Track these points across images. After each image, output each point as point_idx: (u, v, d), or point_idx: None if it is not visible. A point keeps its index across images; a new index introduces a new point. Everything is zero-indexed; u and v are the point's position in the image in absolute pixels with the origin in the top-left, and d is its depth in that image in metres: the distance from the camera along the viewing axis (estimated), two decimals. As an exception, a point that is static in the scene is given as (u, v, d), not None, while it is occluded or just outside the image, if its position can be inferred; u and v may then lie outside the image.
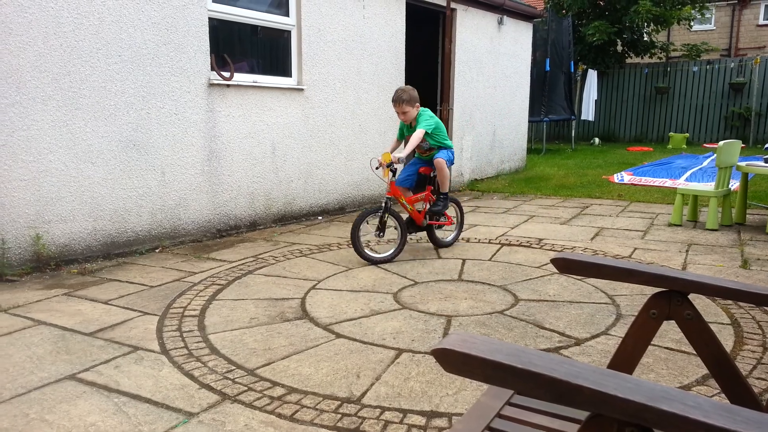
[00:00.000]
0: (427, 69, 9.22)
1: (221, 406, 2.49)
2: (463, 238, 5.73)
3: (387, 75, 7.71)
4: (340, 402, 2.51)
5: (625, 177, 9.98)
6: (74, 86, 4.63)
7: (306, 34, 6.56)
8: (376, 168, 4.89)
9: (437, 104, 9.03)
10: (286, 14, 6.46)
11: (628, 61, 20.94)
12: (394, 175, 4.85)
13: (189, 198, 5.57)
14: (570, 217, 6.89)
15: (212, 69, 5.69)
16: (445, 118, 8.34)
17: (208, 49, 5.58)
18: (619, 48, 20.42)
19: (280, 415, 2.40)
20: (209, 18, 5.57)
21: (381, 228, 4.87)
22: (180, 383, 2.70)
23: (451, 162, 5.11)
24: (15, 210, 4.39)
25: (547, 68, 14.38)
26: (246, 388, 2.64)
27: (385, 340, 3.17)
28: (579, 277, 4.34)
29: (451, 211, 5.38)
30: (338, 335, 3.26)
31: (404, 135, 5.14)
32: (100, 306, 3.76)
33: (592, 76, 17.01)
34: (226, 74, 5.83)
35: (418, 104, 4.91)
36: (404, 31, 7.90)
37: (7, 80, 4.25)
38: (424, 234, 5.44)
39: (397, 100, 4.86)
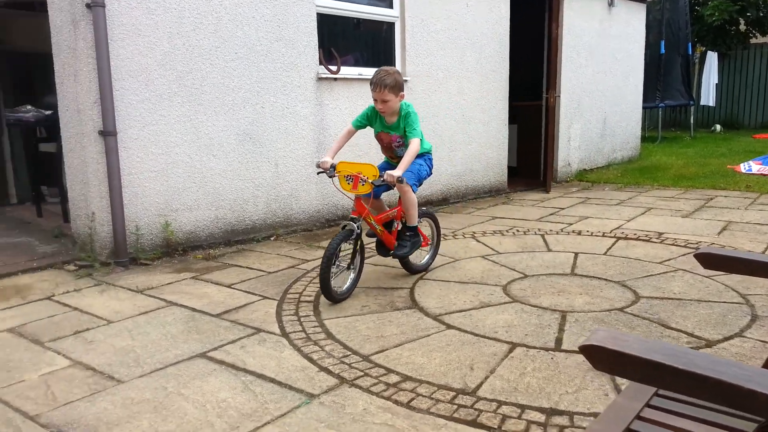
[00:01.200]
0: (532, 55, 8.95)
1: (340, 390, 2.58)
2: (573, 231, 5.53)
3: (490, 63, 7.58)
4: (455, 393, 2.52)
5: (753, 167, 9.19)
6: (196, 83, 4.93)
7: (410, 25, 6.58)
8: (329, 176, 3.79)
9: (543, 91, 8.76)
10: (390, 6, 6.51)
11: (753, 41, 19.20)
12: (371, 195, 3.77)
13: (300, 189, 5.78)
14: (693, 210, 6.45)
15: (320, 63, 5.85)
16: (552, 105, 8.07)
17: (317, 43, 5.74)
18: (742, 27, 18.76)
19: (396, 402, 2.45)
20: (317, 13, 5.73)
21: (354, 258, 3.82)
22: (300, 365, 2.83)
23: (427, 174, 4.05)
24: (147, 199, 4.76)
25: (662, 51, 13.50)
26: (362, 374, 2.72)
27: (497, 333, 3.14)
28: (706, 274, 4.06)
29: (426, 229, 4.37)
30: (449, 326, 3.27)
31: (375, 128, 4.00)
32: (224, 289, 4.01)
33: (712, 58, 15.76)
34: (334, 68, 5.97)
35: (402, 93, 3.79)
36: (508, 17, 7.71)
37: (137, 78, 4.60)
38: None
39: (379, 84, 3.71)
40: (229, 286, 4.08)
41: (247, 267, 4.57)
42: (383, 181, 3.56)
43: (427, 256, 4.42)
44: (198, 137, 4.99)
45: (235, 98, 5.18)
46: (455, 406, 2.41)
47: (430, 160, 4.09)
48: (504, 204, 7.16)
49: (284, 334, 3.23)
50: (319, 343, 3.09)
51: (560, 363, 2.78)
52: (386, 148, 4.03)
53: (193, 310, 3.62)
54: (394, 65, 6.62)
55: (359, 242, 3.78)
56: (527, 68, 8.79)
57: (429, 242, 4.36)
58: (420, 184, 3.97)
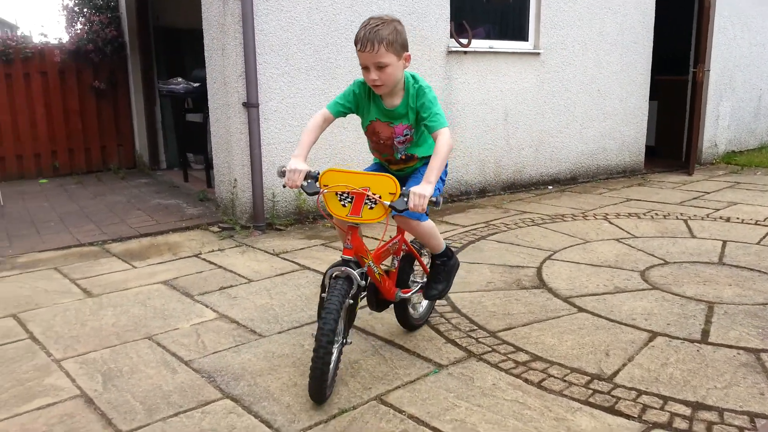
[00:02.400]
0: (679, 26, 8.24)
1: (467, 363, 2.58)
2: (721, 217, 5.09)
3: (632, 34, 7.08)
4: (589, 377, 2.43)
5: None
6: (331, 57, 5.06)
7: (547, -5, 6.30)
8: (307, 192, 2.31)
9: (690, 66, 8.06)
10: (527, -25, 6.26)
11: None
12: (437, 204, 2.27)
13: (425, 162, 5.79)
14: None
15: (451, 36, 5.77)
16: (700, 80, 7.39)
17: (449, 16, 5.67)
18: None
19: (527, 381, 2.41)
20: (452, -15, 5.64)
21: (346, 327, 2.39)
22: (428, 335, 2.86)
23: (439, 192, 2.43)
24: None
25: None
26: (490, 349, 2.70)
27: (636, 321, 2.98)
28: None
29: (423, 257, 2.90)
30: (580, 309, 3.15)
31: (366, 116, 2.50)
32: (350, 258, 4.13)
33: None
34: (464, 41, 5.87)
35: (408, 55, 2.34)
36: (655, -16, 7.14)
37: (278, 52, 4.80)
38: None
39: (370, 39, 2.23)
40: (356, 255, 4.20)
41: (371, 237, 4.67)
42: (406, 203, 2.15)
43: (425, 303, 2.98)
44: (330, 109, 5.13)
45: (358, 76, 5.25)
46: (590, 391, 2.32)
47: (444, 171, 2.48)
48: (640, 185, 6.73)
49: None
50: (445, 316, 3.10)
51: (707, 356, 2.59)
52: (383, 146, 2.50)
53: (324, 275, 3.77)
54: (527, 38, 6.39)
55: (359, 300, 2.39)
56: (672, 40, 8.11)
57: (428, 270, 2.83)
58: (440, 191, 2.51)
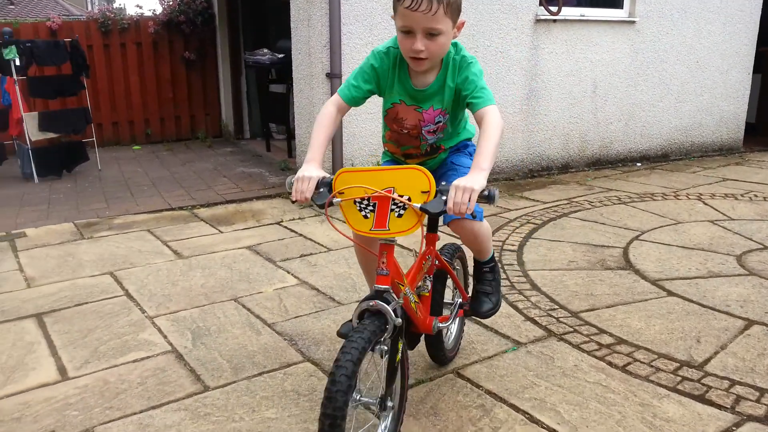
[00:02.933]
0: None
1: (547, 342, 2.53)
2: (829, 201, 4.68)
3: (737, 2, 6.53)
4: (678, 364, 2.32)
5: None
6: (415, 26, 4.98)
7: (645, -41, 5.91)
8: (317, 204, 1.67)
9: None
10: (624, -62, 5.89)
11: None
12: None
13: (505, 136, 5.64)
14: None
15: (540, 4, 5.54)
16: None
17: (539, -18, 5.44)
18: None
19: (610, 364, 2.33)
20: (543, -51, 5.38)
21: (390, 382, 1.74)
22: (506, 312, 2.82)
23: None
24: (362, 140, 5.01)
25: None
26: (571, 329, 2.63)
27: (730, 307, 2.81)
28: None
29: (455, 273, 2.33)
30: (670, 293, 3.00)
31: (388, 97, 1.95)
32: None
33: None
34: (554, 8, 5.61)
35: (462, 23, 1.79)
36: (769, -55, 6.54)
37: (362, 23, 4.78)
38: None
39: None
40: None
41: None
42: (444, 202, 1.56)
43: (455, 328, 2.43)
44: (412, 80, 5.08)
45: (450, 41, 5.15)
46: (679, 378, 2.22)
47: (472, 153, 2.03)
48: (737, 165, 6.28)
49: (489, 280, 3.24)
50: (524, 293, 3.05)
51: (812, 350, 2.41)
52: (406, 136, 1.97)
53: (401, 246, 3.79)
54: (622, 5, 6.04)
55: (400, 346, 1.75)
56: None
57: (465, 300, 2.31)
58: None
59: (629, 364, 2.33)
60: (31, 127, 5.62)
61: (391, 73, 1.88)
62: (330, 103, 1.90)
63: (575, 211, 4.53)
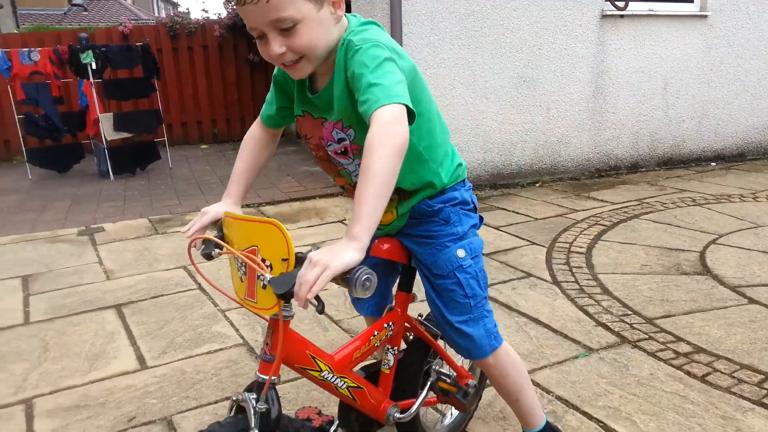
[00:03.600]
0: None
1: (621, 349, 2.45)
2: None
3: (825, -9, 6.15)
4: (763, 376, 2.20)
5: None
6: (476, 26, 4.93)
7: (721, -50, 5.64)
8: (203, 254, 1.30)
9: None
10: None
11: None
12: (319, 305, 1.10)
13: (570, 135, 5.52)
14: None
15: (606, 0, 5.38)
16: None
17: (607, -23, 5.28)
18: None
19: (689, 373, 2.24)
20: (613, -57, 5.23)
21: None
22: (576, 316, 2.75)
23: (480, 248, 1.49)
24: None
25: None
26: (646, 336, 2.54)
27: (819, 317, 2.65)
28: None
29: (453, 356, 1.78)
30: (751, 300, 2.85)
31: (294, 109, 1.44)
32: (492, 231, 4.07)
33: None
34: (621, 3, 5.44)
35: (335, 3, 1.23)
36: None
37: (423, 22, 4.77)
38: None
39: None
40: (496, 228, 4.13)
41: (513, 211, 4.56)
42: (292, 281, 1.06)
43: (449, 419, 1.91)
44: (474, 80, 5.04)
45: (513, 40, 5.07)
46: (764, 391, 2.11)
47: (466, 212, 1.48)
48: (822, 166, 5.92)
49: (555, 282, 3.17)
50: (595, 297, 2.96)
51: None
52: (320, 160, 1.47)
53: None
54: (695, -2, 5.79)
55: None
56: None
57: (466, 383, 1.66)
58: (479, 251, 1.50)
59: (709, 374, 2.23)
60: (106, 128, 5.90)
61: (291, 81, 1.39)
62: (253, 125, 1.54)
63: (647, 213, 4.37)
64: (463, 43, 4.93)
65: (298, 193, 5.20)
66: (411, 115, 1.13)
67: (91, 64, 5.69)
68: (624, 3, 5.44)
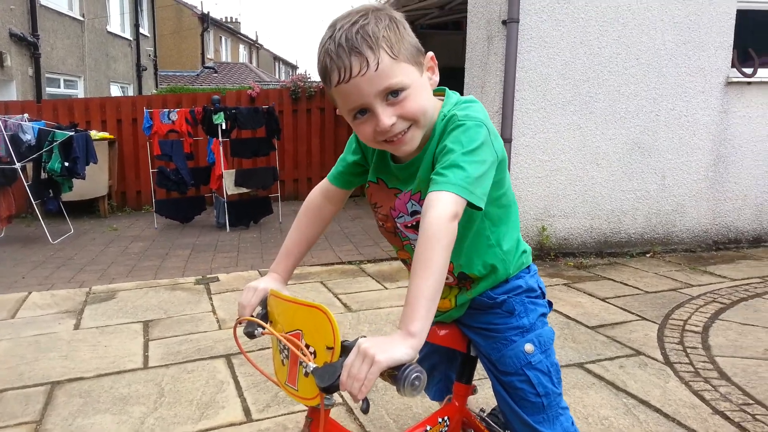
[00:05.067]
0: None
1: (742, 444, 2.24)
2: None
3: None
4: None
5: None
6: (591, 91, 4.90)
7: None
8: (245, 332, 1.25)
9: None
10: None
11: None
12: (364, 403, 1.04)
13: (687, 204, 5.25)
14: None
15: (732, 66, 5.17)
16: None
17: (731, 44, 5.09)
18: None
19: (825, 480, 2.01)
20: (737, 10, 5.05)
21: None
22: (690, 402, 2.56)
23: (550, 339, 1.37)
24: (528, 203, 4.97)
25: None
26: (773, 432, 2.31)
27: None
28: None
29: None
30: None
31: (369, 175, 1.38)
32: (597, 302, 3.92)
33: None
34: (748, 70, 5.20)
35: (431, 58, 1.21)
36: None
37: (536, 88, 4.81)
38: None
39: (354, 47, 1.07)
40: (603, 300, 3.97)
41: (621, 282, 4.37)
42: (338, 373, 0.98)
43: None
44: (584, 146, 4.97)
45: (629, 106, 4.98)
46: None
47: (533, 300, 1.37)
48: None
49: (668, 363, 2.98)
50: (711, 382, 2.75)
51: None
52: (385, 231, 1.40)
53: (567, 317, 3.63)
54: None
55: None
56: None
57: None
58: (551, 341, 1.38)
59: None
60: (228, 183, 6.37)
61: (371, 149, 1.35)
62: (317, 189, 1.46)
63: None
64: (575, 109, 4.91)
65: (401, 252, 5.29)
66: (476, 208, 1.11)
67: (221, 125, 6.22)
68: (752, 70, 5.20)
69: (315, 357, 1.04)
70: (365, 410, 1.01)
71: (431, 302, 1.00)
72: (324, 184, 1.44)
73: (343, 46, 1.07)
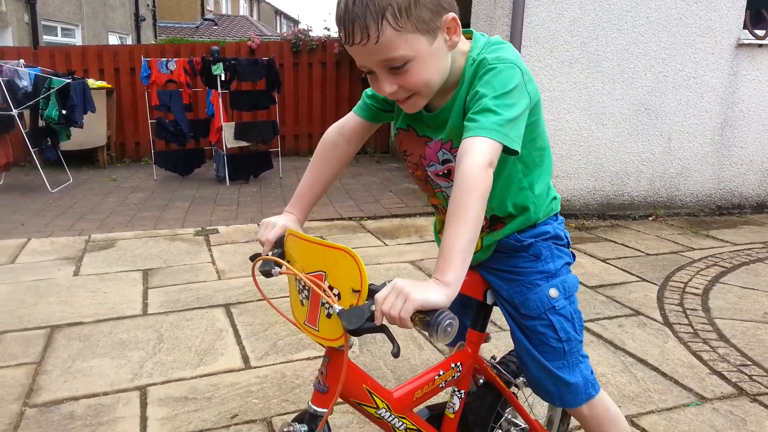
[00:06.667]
0: None
1: (738, 401, 2.26)
2: None
3: None
4: None
5: None
6: (599, 50, 4.79)
7: None
8: (261, 270, 1.20)
9: None
10: None
11: None
12: (395, 346, 1.01)
13: (692, 168, 5.20)
14: None
15: (744, 27, 5.04)
16: None
17: (744, 4, 4.95)
18: None
19: (819, 438, 2.03)
20: (753, -33, 4.91)
21: None
22: (688, 362, 2.57)
23: (574, 286, 1.36)
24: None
25: None
26: (769, 392, 2.33)
27: None
28: None
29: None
30: None
31: (395, 122, 1.34)
32: (598, 263, 3.91)
33: None
34: (761, 32, 5.07)
35: (451, 19, 1.12)
36: None
37: (543, 45, 4.70)
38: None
39: (356, 16, 1.04)
40: (603, 261, 3.96)
41: (622, 244, 4.35)
42: (370, 312, 0.99)
43: None
44: (590, 105, 4.89)
45: (637, 66, 4.87)
46: None
47: (559, 247, 1.36)
48: None
49: (667, 323, 2.99)
50: (710, 343, 2.76)
51: None
52: (417, 179, 1.39)
53: (568, 277, 3.63)
54: None
55: None
56: None
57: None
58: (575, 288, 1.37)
59: None
60: (228, 136, 6.29)
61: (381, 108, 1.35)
62: (332, 128, 1.41)
63: None
64: (582, 67, 4.80)
65: (399, 209, 5.27)
66: (512, 152, 1.09)
67: (220, 76, 6.10)
68: (765, 32, 5.07)
69: (339, 299, 1.03)
70: (395, 354, 0.99)
71: (466, 253, 0.99)
72: (344, 121, 1.39)
73: (350, 11, 1.05)
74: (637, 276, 3.67)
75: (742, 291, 3.42)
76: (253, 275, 1.19)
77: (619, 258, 4.02)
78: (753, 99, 5.14)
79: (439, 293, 0.95)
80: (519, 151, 1.08)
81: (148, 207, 5.37)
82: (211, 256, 3.98)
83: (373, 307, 0.97)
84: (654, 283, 3.54)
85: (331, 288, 1.05)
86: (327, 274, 1.07)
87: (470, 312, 1.44)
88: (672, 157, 5.14)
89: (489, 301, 1.40)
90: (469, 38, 1.22)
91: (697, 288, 3.48)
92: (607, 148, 5.00)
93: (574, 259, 1.40)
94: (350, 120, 1.38)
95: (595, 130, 4.95)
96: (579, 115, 4.88)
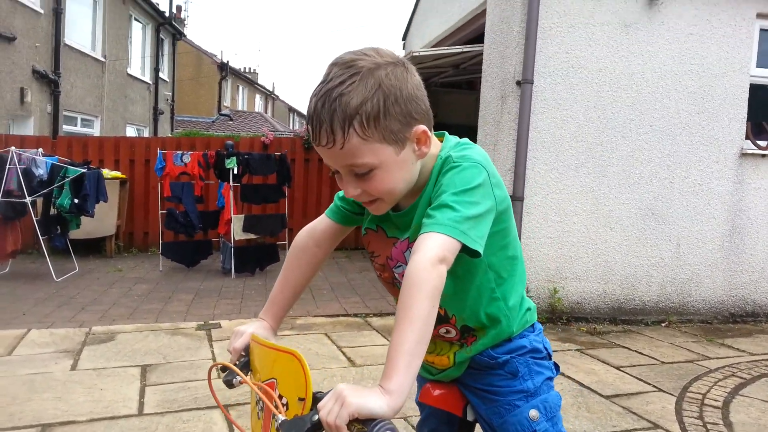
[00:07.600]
0: None
1: None
2: None
3: None
4: None
5: None
6: (604, 155, 4.90)
7: None
8: (224, 381, 1.15)
9: None
10: None
11: None
12: None
13: (702, 274, 5.15)
14: None
15: (746, 138, 5.18)
16: None
17: (745, 117, 5.11)
18: None
19: None
20: (750, 84, 5.10)
21: None
22: (714, 486, 2.41)
23: (556, 404, 1.25)
24: (540, 264, 4.88)
25: None
26: None
27: None
28: None
29: None
30: None
31: (364, 221, 1.31)
32: (612, 370, 3.78)
33: None
34: (763, 143, 5.21)
35: (420, 132, 1.08)
36: None
37: (549, 149, 4.81)
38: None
39: (320, 118, 1.03)
40: (617, 368, 3.83)
41: (636, 351, 4.23)
42: (312, 423, 0.91)
43: None
44: (597, 209, 4.93)
45: (642, 172, 4.96)
46: None
47: (537, 361, 1.25)
48: None
49: (688, 440, 2.83)
50: (736, 465, 2.60)
51: None
52: (384, 281, 1.32)
53: (581, 384, 3.49)
54: None
55: None
56: None
57: None
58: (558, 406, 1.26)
59: None
60: (236, 228, 6.33)
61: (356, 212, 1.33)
62: (302, 231, 1.38)
63: None
64: (588, 171, 4.89)
65: (408, 307, 5.18)
66: (474, 253, 1.03)
67: (233, 169, 6.24)
68: (767, 143, 5.20)
69: (287, 409, 0.97)
70: None
71: (413, 356, 0.92)
72: (316, 222, 1.36)
73: (318, 113, 1.03)
74: (654, 386, 3.53)
75: (765, 405, 3.27)
76: (209, 382, 1.12)
77: (634, 366, 3.89)
78: (759, 207, 5.19)
79: (380, 401, 0.89)
80: (480, 252, 1.02)
81: (151, 299, 5.31)
82: (212, 352, 3.87)
83: (316, 417, 0.90)
84: (671, 394, 3.40)
85: (280, 397, 0.99)
86: (278, 382, 1.02)
87: (455, 429, 1.34)
88: (682, 263, 5.11)
89: (469, 417, 1.29)
90: (441, 140, 1.20)
91: (716, 400, 3.33)
92: (616, 251, 4.99)
93: (558, 371, 1.30)
94: (321, 222, 1.36)
95: (603, 234, 4.96)
96: (586, 218, 4.91)
